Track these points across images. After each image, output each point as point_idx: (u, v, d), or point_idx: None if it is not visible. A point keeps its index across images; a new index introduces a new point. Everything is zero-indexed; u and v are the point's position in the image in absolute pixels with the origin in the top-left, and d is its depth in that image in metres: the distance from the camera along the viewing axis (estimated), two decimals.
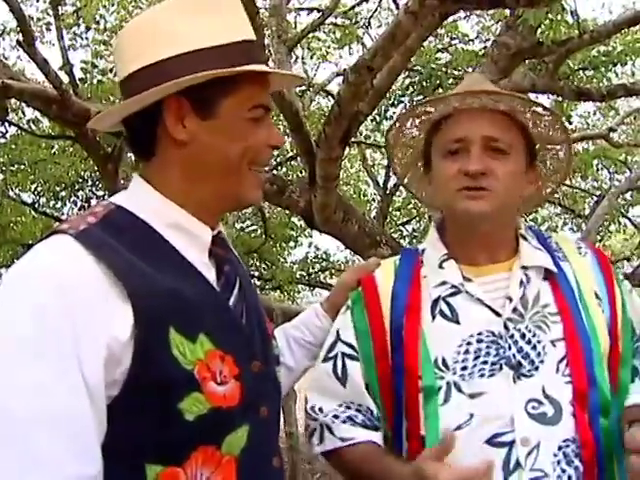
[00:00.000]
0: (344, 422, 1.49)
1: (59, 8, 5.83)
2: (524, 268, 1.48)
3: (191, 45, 1.17)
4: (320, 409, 1.52)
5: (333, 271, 9.95)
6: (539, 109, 1.48)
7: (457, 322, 1.45)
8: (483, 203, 1.42)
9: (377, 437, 1.49)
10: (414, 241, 9.51)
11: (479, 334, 1.42)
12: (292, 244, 9.55)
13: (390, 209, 8.76)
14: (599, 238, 8.88)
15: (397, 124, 1.59)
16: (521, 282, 1.46)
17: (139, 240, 1.15)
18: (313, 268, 9.79)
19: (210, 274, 1.22)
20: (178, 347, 1.08)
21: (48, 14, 7.12)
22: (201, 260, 1.21)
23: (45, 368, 0.99)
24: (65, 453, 0.98)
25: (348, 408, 1.50)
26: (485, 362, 1.40)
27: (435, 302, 1.48)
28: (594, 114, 9.42)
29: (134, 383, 1.06)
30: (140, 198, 1.21)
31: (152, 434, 1.08)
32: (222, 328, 1.17)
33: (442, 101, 1.49)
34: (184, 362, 1.08)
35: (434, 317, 1.46)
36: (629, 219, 9.27)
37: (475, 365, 1.40)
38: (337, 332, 1.55)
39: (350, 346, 1.52)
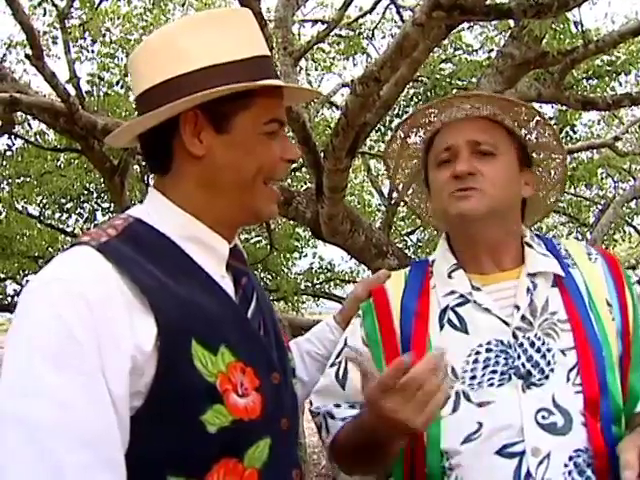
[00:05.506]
0: (345, 409, 1.49)
1: (66, 21, 5.88)
2: (531, 275, 1.48)
3: (207, 61, 1.18)
4: (322, 405, 1.53)
5: (338, 281, 9.96)
6: (522, 109, 1.52)
7: (466, 332, 1.45)
8: (473, 201, 1.44)
9: None
10: (419, 251, 9.51)
11: (488, 343, 1.42)
12: (297, 255, 9.57)
13: (395, 219, 8.76)
14: (604, 246, 8.88)
15: (392, 146, 1.66)
16: (528, 289, 1.46)
17: (159, 253, 1.15)
18: (318, 279, 9.80)
19: (228, 287, 1.22)
20: (200, 359, 1.08)
21: (55, 27, 7.17)
22: (219, 273, 1.22)
23: (69, 378, 0.99)
24: (89, 463, 0.98)
25: (347, 404, 1.50)
26: (494, 371, 1.40)
27: (443, 311, 1.48)
28: (598, 123, 9.44)
29: (157, 394, 1.05)
30: (158, 211, 1.21)
31: (174, 446, 1.07)
32: (242, 340, 1.17)
33: (425, 114, 1.55)
34: (206, 374, 1.08)
35: (442, 327, 1.46)
36: (634, 227, 9.27)
37: (484, 374, 1.40)
38: (345, 339, 1.56)
39: (354, 350, 1.52)
